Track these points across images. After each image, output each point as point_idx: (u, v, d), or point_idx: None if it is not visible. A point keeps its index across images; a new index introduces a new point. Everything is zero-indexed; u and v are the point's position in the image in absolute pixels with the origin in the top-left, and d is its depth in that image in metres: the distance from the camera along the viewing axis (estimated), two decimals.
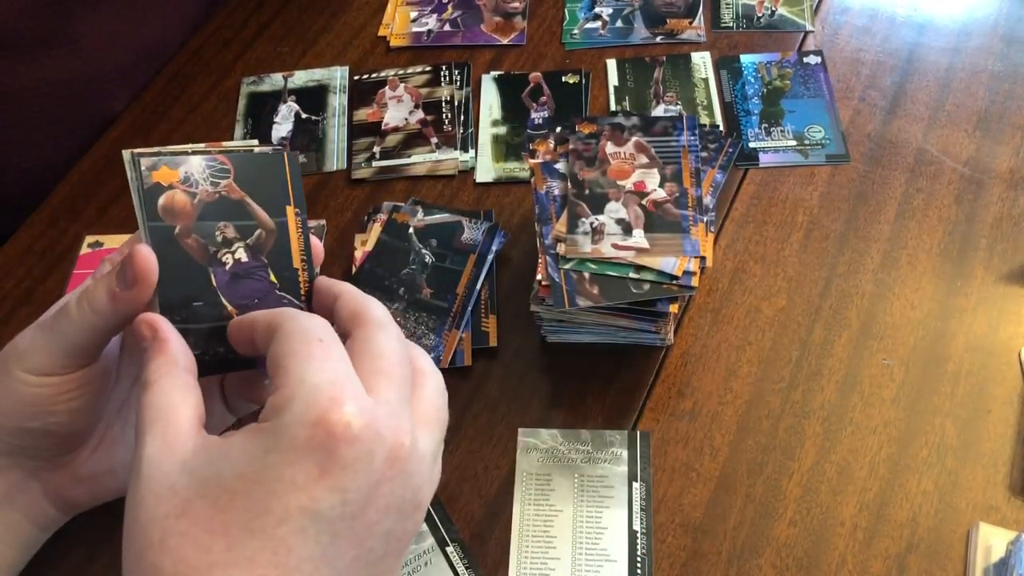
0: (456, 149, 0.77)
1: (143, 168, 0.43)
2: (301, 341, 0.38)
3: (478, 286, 0.66)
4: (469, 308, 0.66)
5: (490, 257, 0.68)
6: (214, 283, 0.44)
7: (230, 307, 0.44)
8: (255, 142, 0.46)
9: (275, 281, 0.45)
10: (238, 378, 0.51)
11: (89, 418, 0.50)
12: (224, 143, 0.45)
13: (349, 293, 0.43)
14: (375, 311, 0.41)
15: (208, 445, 0.38)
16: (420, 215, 0.71)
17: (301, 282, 0.46)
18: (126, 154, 0.43)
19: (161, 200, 0.45)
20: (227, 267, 0.44)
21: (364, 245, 0.70)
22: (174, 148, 0.45)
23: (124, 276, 0.43)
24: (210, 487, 0.36)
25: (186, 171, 0.45)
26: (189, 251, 0.45)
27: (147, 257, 0.43)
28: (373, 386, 0.38)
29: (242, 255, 0.45)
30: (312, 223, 0.73)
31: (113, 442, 0.53)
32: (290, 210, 0.46)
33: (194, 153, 0.44)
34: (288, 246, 0.46)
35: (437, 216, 0.71)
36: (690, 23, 0.83)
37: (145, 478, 0.37)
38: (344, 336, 0.40)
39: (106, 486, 0.53)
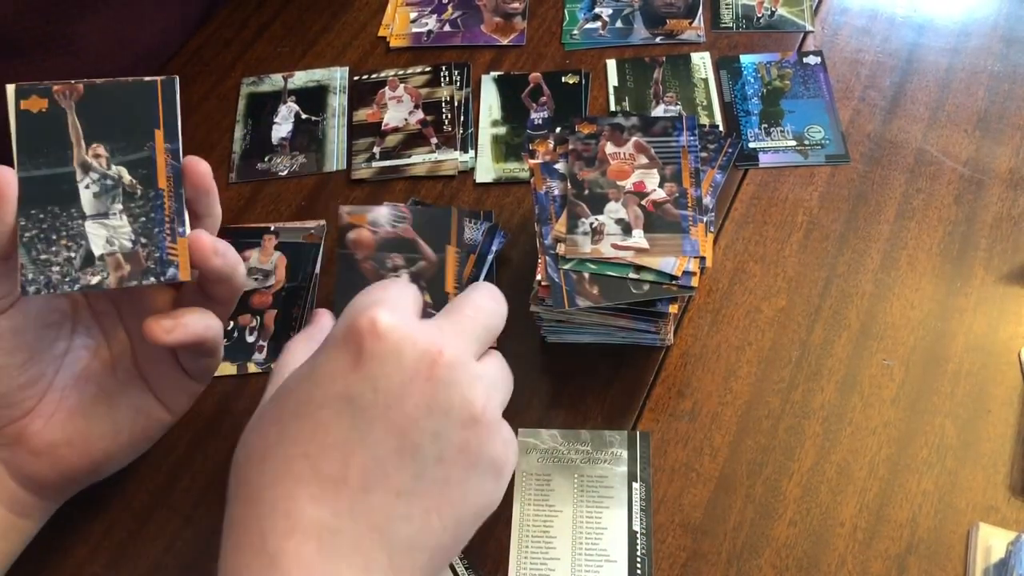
0: (456, 149, 0.77)
1: (17, 98, 0.47)
2: (373, 286, 0.45)
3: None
4: None
5: (490, 257, 0.68)
6: None
7: None
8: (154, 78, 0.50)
9: (429, 300, 0.57)
10: (151, 349, 0.54)
11: (18, 378, 0.49)
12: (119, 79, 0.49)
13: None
14: (484, 282, 0.51)
15: (301, 360, 0.45)
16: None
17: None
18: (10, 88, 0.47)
19: (351, 235, 0.63)
20: None
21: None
22: (61, 83, 0.47)
23: None
24: (279, 392, 0.44)
25: (373, 216, 0.64)
26: (365, 273, 0.62)
27: (4, 175, 0.45)
28: (437, 317, 0.45)
29: (404, 279, 0.55)
30: (312, 223, 0.73)
31: (69, 412, 0.52)
32: (450, 248, 0.64)
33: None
34: (444, 276, 0.61)
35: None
36: (690, 23, 0.83)
37: (257, 409, 0.46)
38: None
39: (65, 458, 0.52)
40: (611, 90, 0.79)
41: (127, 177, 0.48)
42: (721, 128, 0.76)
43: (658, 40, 0.83)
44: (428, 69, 0.83)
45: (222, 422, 0.62)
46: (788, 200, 0.71)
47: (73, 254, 0.47)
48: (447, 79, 0.82)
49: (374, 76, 0.83)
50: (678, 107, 0.77)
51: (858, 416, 0.60)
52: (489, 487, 0.44)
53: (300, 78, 0.83)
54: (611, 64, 0.81)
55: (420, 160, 0.76)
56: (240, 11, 0.90)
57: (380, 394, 0.40)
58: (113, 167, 0.48)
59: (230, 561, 0.41)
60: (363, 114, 0.80)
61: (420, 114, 0.79)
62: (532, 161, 0.64)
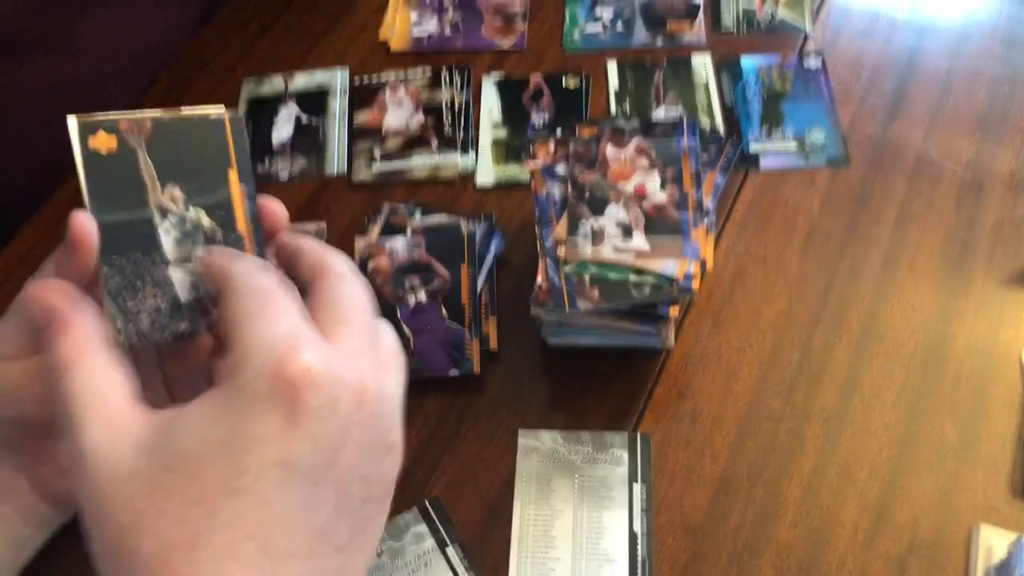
0: (457, 152, 0.77)
1: (82, 134, 0.43)
2: (253, 296, 0.38)
3: (479, 287, 0.66)
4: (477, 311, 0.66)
5: (489, 258, 0.68)
6: (398, 316, 0.59)
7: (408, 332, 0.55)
8: (218, 108, 0.45)
9: (444, 315, 0.59)
10: (182, 368, 0.50)
11: (48, 403, 0.49)
12: (183, 109, 0.44)
13: (310, 247, 0.42)
14: (336, 262, 0.41)
15: (161, 420, 0.37)
16: (418, 217, 0.71)
17: (466, 315, 0.61)
18: (73, 121, 0.42)
19: (371, 264, 0.67)
20: (410, 306, 0.59)
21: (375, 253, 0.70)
22: (125, 114, 0.44)
23: (65, 245, 0.42)
24: (175, 460, 0.36)
25: (390, 245, 0.68)
26: (386, 296, 0.65)
27: (83, 222, 0.42)
28: (333, 335, 0.38)
29: (422, 297, 0.52)
30: (311, 226, 0.73)
31: None
32: (463, 266, 0.67)
33: (151, 117, 0.44)
34: (459, 292, 0.65)
35: (436, 218, 0.71)
36: (690, 26, 0.83)
37: (96, 471, 0.36)
38: (306, 291, 0.40)
39: None
40: (612, 93, 0.79)
41: (205, 220, 0.45)
42: (722, 131, 0.76)
43: (659, 42, 0.83)
44: (429, 72, 0.83)
45: None
46: (789, 203, 0.71)
47: (160, 302, 0.44)
48: (448, 82, 0.82)
49: (375, 79, 0.83)
50: (679, 110, 0.78)
51: (859, 418, 0.60)
52: (387, 504, 0.41)
53: (301, 81, 0.83)
54: (612, 66, 0.81)
55: (421, 163, 0.76)
56: (241, 11, 0.90)
57: (320, 452, 0.36)
58: (191, 209, 0.45)
59: None
60: (364, 117, 0.80)
61: (421, 117, 0.79)
62: (533, 164, 0.64)
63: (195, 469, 0.35)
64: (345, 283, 0.40)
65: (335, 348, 0.37)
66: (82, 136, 0.43)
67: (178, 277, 0.44)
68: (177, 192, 0.45)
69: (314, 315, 0.39)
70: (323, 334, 0.38)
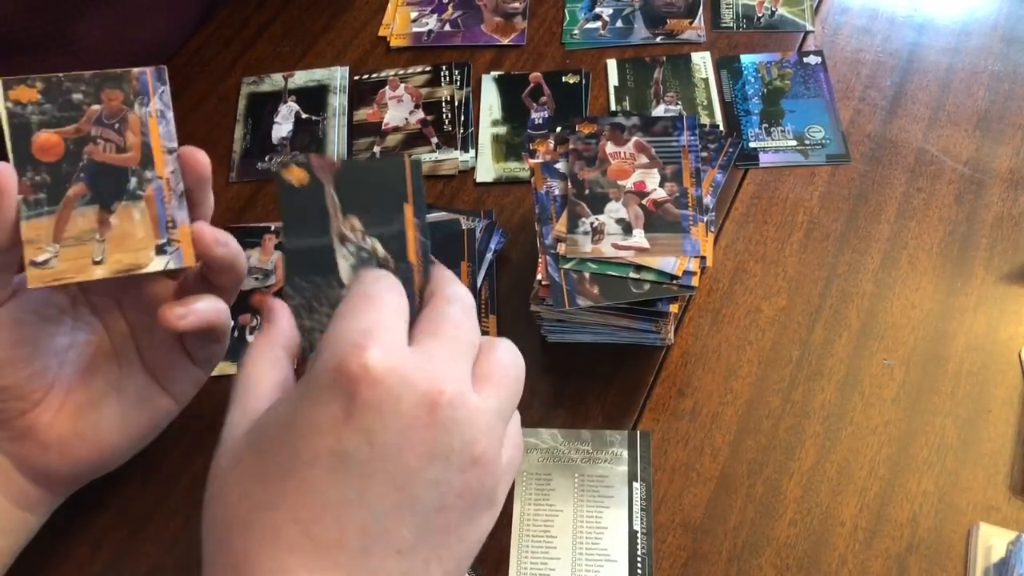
0: (456, 149, 0.77)
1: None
2: (352, 299, 0.40)
3: (478, 284, 0.66)
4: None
5: (489, 255, 0.68)
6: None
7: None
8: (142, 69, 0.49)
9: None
10: (157, 342, 0.54)
11: (23, 371, 0.50)
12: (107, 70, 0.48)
13: (440, 274, 0.44)
14: (451, 287, 0.42)
15: (271, 405, 0.40)
16: None
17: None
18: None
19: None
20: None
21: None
22: (46, 75, 0.48)
23: None
24: (257, 438, 0.38)
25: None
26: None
27: (4, 169, 0.44)
28: (421, 343, 0.39)
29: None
30: None
31: (78, 405, 0.53)
32: (463, 264, 0.62)
33: (66, 76, 0.48)
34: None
35: (435, 215, 0.71)
36: (690, 23, 0.83)
37: (223, 441, 0.40)
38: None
39: (76, 452, 0.53)
40: (611, 90, 0.79)
41: (380, 249, 0.48)
42: (721, 128, 0.76)
43: (658, 40, 0.83)
44: (428, 69, 0.83)
45: (222, 422, 0.62)
46: (788, 200, 0.71)
47: None
48: (447, 79, 0.82)
49: (374, 76, 0.83)
50: (678, 107, 0.77)
51: (858, 416, 0.60)
52: (486, 521, 0.40)
53: (300, 78, 0.83)
54: (611, 64, 0.81)
55: (420, 160, 0.76)
56: (240, 11, 0.90)
57: (377, 448, 0.36)
58: (367, 240, 0.48)
59: None
60: (363, 114, 0.80)
61: (420, 114, 0.79)
62: (532, 161, 0.64)
63: (264, 447, 0.38)
64: (450, 304, 0.41)
65: (413, 352, 0.38)
66: (280, 172, 0.46)
67: None
68: (356, 223, 0.48)
69: (413, 328, 0.40)
70: (412, 343, 0.39)
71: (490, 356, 0.41)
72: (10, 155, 0.45)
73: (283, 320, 0.44)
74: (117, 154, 0.48)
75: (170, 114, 0.49)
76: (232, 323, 0.61)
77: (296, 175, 0.48)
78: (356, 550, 0.36)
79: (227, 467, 0.39)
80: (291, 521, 0.36)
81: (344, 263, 0.48)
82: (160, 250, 0.49)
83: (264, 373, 0.42)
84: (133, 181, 0.48)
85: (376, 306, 0.39)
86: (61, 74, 0.47)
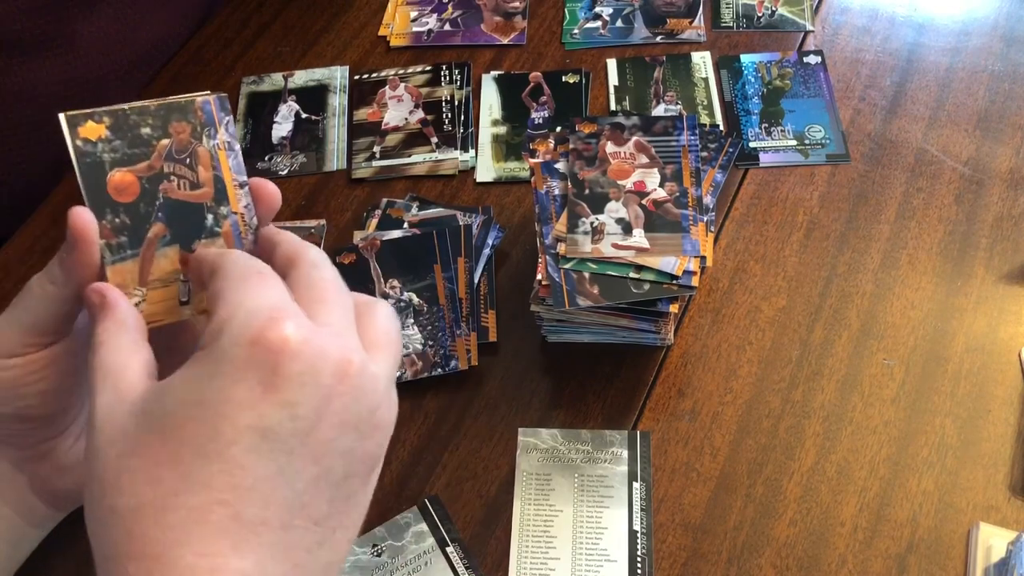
0: (456, 149, 0.77)
1: (74, 131, 0.44)
2: (239, 273, 0.39)
3: (476, 279, 0.66)
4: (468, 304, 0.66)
5: (486, 251, 0.68)
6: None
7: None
8: (204, 93, 0.46)
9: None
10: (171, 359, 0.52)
11: (61, 402, 0.49)
12: (169, 98, 0.45)
13: (287, 239, 0.43)
14: (310, 252, 0.41)
15: (157, 386, 0.38)
16: (415, 210, 0.71)
17: (463, 307, 0.65)
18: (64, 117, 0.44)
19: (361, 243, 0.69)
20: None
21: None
22: (110, 108, 0.45)
23: (67, 241, 0.44)
24: (156, 421, 0.36)
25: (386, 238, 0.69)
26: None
27: (83, 216, 0.43)
28: (313, 313, 0.38)
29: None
30: (312, 223, 0.73)
31: None
32: (460, 260, 0.68)
33: (131, 109, 0.44)
34: (456, 284, 0.66)
35: (432, 211, 0.71)
36: (690, 23, 0.83)
37: (98, 428, 0.38)
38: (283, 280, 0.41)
39: None
40: (611, 89, 0.79)
41: (416, 299, 0.65)
42: (721, 127, 0.76)
43: (658, 39, 0.83)
44: (428, 68, 0.82)
45: None
46: (788, 200, 0.71)
47: None
48: (447, 78, 0.82)
49: (374, 75, 0.83)
50: (678, 106, 0.77)
51: (858, 416, 0.60)
52: (374, 481, 0.40)
53: (300, 77, 0.83)
54: (611, 63, 0.81)
55: (420, 159, 0.76)
56: (240, 11, 0.90)
57: (299, 420, 0.35)
58: (405, 293, 0.64)
59: None
60: (363, 113, 0.80)
61: (420, 113, 0.79)
62: (532, 160, 0.64)
63: (171, 430, 0.36)
64: (317, 269, 0.41)
65: (317, 324, 0.37)
66: (334, 257, 0.57)
67: None
68: (396, 282, 0.66)
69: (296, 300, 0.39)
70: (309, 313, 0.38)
71: (374, 322, 0.41)
72: (85, 197, 0.44)
73: (122, 302, 0.42)
74: (191, 191, 0.45)
75: (237, 146, 0.47)
76: None
77: (345, 257, 0.66)
78: (279, 526, 0.36)
79: (120, 455, 0.36)
80: (217, 503, 0.35)
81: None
82: None
83: (128, 358, 0.40)
84: (210, 218, 0.46)
85: (272, 282, 0.39)
86: (125, 106, 0.44)
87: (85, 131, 0.44)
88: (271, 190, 0.47)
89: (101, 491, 0.36)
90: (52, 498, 0.53)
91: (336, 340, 0.37)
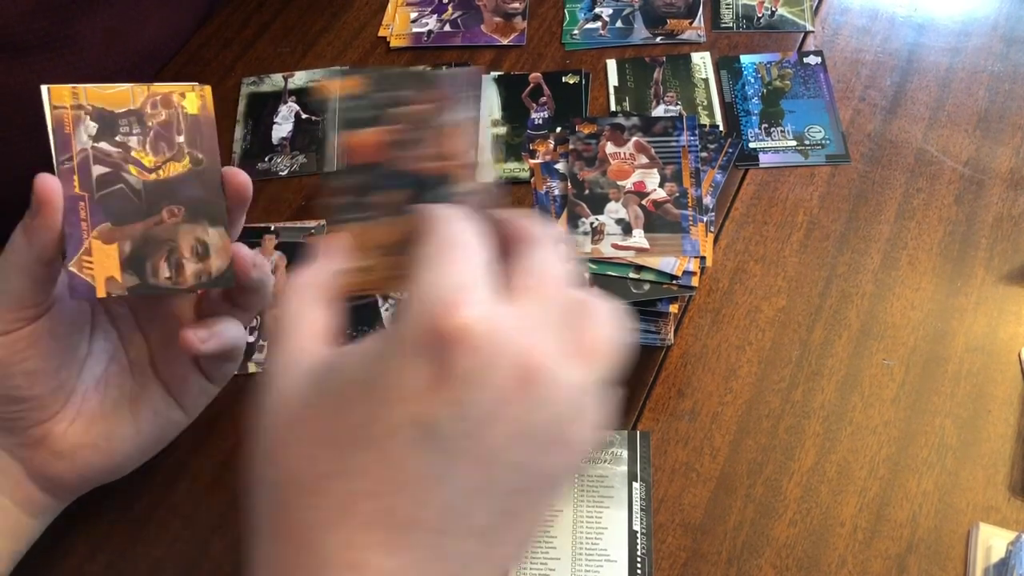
0: None
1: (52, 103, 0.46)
2: (438, 245, 0.35)
3: None
4: None
5: None
6: None
7: None
8: (189, 84, 0.50)
9: None
10: (167, 346, 0.53)
11: (48, 382, 0.50)
12: (153, 84, 0.49)
13: (516, 215, 0.39)
14: (538, 229, 0.38)
15: (333, 354, 0.36)
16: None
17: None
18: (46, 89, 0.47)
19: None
20: None
21: None
22: (99, 85, 0.47)
23: (31, 207, 0.44)
24: (324, 395, 0.35)
25: None
26: None
27: (47, 182, 0.44)
28: (513, 300, 0.34)
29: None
30: (312, 223, 0.73)
31: (92, 415, 0.53)
32: None
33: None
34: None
35: None
36: (690, 23, 0.83)
37: (271, 389, 0.36)
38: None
39: (88, 461, 0.53)
40: (611, 90, 0.79)
41: None
42: (721, 128, 0.76)
43: (658, 40, 0.83)
44: (428, 69, 0.82)
45: (222, 423, 0.62)
46: (788, 200, 0.71)
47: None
48: None
49: None
50: (678, 107, 0.77)
51: (858, 416, 0.60)
52: (549, 503, 0.37)
53: (301, 78, 0.83)
54: (611, 64, 0.81)
55: None
56: (240, 11, 0.90)
57: (467, 423, 0.32)
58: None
59: None
60: None
61: None
62: (532, 161, 0.64)
63: (335, 409, 0.34)
64: (541, 249, 0.37)
65: (508, 313, 0.33)
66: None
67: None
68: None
69: (504, 280, 0.36)
70: (504, 298, 0.34)
71: (590, 325, 0.36)
72: (335, 151, 0.44)
73: (334, 260, 0.40)
74: (433, 163, 0.44)
75: (481, 121, 0.46)
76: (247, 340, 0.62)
77: None
78: (433, 530, 0.33)
79: (284, 424, 0.35)
80: (368, 495, 0.33)
81: (386, 315, 0.62)
82: None
83: (307, 314, 0.38)
84: (450, 189, 0.44)
85: (466, 256, 0.35)
86: (384, 69, 0.45)
87: (343, 86, 0.45)
88: (241, 179, 0.48)
89: (258, 455, 0.35)
90: (50, 486, 0.53)
91: (524, 338, 0.33)
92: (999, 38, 0.80)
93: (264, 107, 0.82)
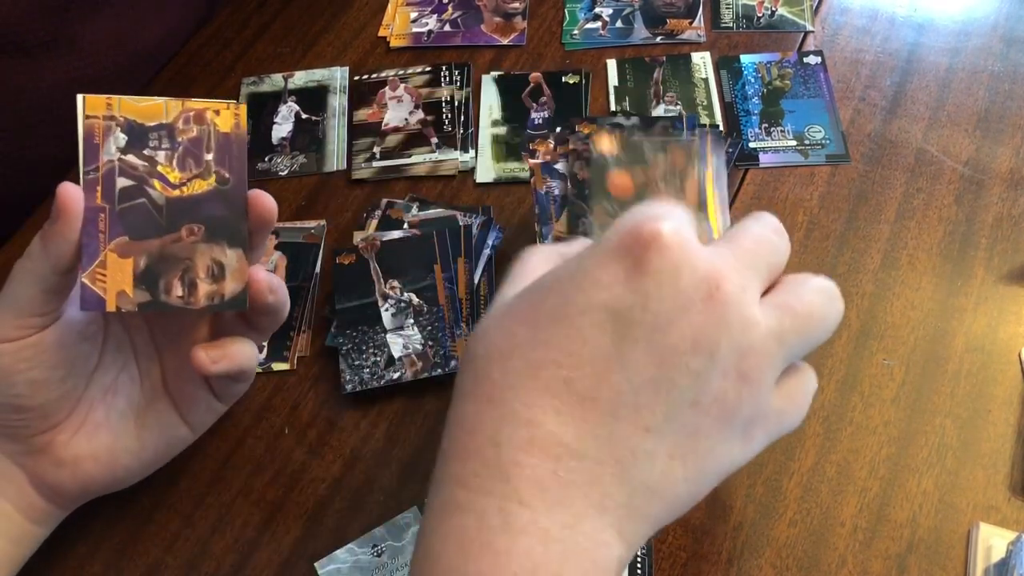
0: (456, 149, 0.77)
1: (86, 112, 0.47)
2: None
3: (476, 281, 0.66)
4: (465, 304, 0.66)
5: (486, 251, 0.67)
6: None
7: None
8: (224, 101, 0.49)
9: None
10: (181, 366, 0.53)
11: (52, 392, 0.49)
12: (188, 99, 0.48)
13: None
14: (756, 214, 0.43)
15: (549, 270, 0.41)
16: (415, 211, 0.71)
17: (463, 309, 0.65)
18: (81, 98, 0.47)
19: (361, 243, 0.68)
20: None
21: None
22: (135, 97, 0.47)
23: (51, 215, 0.44)
24: (533, 290, 0.40)
25: (386, 238, 0.68)
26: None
27: (69, 191, 0.44)
28: (714, 244, 0.39)
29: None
30: (312, 223, 0.73)
31: (96, 426, 0.53)
32: (460, 260, 0.69)
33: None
34: (456, 286, 0.66)
35: (432, 212, 0.71)
36: (690, 23, 0.83)
37: (492, 305, 0.42)
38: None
39: (89, 471, 0.53)
40: (611, 90, 0.79)
41: (416, 300, 0.64)
42: (721, 128, 0.76)
43: (658, 40, 0.83)
44: (428, 69, 0.83)
45: (223, 423, 0.62)
46: (788, 200, 0.71)
47: (378, 358, 0.61)
48: (447, 79, 0.82)
49: (374, 76, 0.83)
50: (678, 107, 0.77)
51: (858, 416, 0.60)
52: (736, 449, 0.40)
53: (300, 78, 0.83)
54: (611, 64, 0.81)
55: (420, 160, 0.76)
56: (240, 11, 0.90)
57: (649, 313, 0.36)
58: (405, 294, 0.64)
59: (453, 466, 0.38)
60: (363, 114, 0.80)
61: (420, 114, 0.79)
62: (532, 161, 0.64)
63: (538, 297, 0.39)
64: (756, 221, 0.42)
65: (702, 245, 0.38)
66: (334, 257, 0.65)
67: (392, 340, 0.62)
68: (396, 283, 0.64)
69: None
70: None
71: (795, 288, 0.41)
72: (589, 186, 0.57)
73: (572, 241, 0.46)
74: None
75: (724, 173, 0.58)
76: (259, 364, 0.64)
77: (345, 258, 0.65)
78: (606, 411, 0.36)
79: (494, 316, 0.40)
80: (551, 363, 0.37)
81: (386, 314, 0.63)
82: None
83: (541, 265, 0.43)
84: None
85: (676, 206, 0.39)
86: (635, 138, 0.59)
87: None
88: (266, 202, 0.48)
89: (473, 339, 0.40)
90: (51, 494, 0.53)
91: (712, 258, 0.38)
92: (999, 38, 0.80)
93: (264, 107, 0.82)
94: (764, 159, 0.73)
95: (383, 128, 0.79)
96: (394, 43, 0.85)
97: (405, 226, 0.70)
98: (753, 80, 0.79)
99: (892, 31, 0.81)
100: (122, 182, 0.47)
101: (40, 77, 0.77)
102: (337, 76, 0.83)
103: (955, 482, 0.57)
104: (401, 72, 0.83)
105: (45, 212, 0.76)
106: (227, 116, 0.49)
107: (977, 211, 0.69)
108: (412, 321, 0.64)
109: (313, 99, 0.82)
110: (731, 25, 0.83)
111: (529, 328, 0.38)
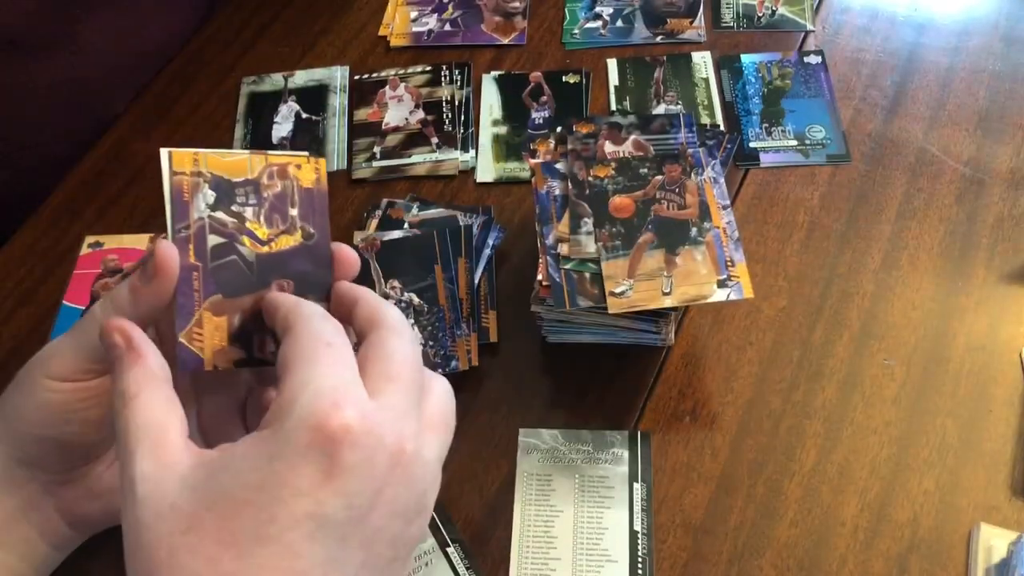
0: (457, 149, 0.77)
1: (173, 168, 0.45)
2: (310, 344, 0.39)
3: (476, 280, 0.66)
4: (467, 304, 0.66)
5: (487, 251, 0.67)
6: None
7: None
8: (304, 154, 0.49)
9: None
10: (218, 406, 0.51)
11: (102, 432, 0.49)
12: (270, 152, 0.47)
13: (366, 297, 0.43)
14: (390, 315, 0.41)
15: (207, 458, 0.38)
16: (415, 211, 0.71)
17: (463, 308, 0.65)
18: (166, 152, 0.45)
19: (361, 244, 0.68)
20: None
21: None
22: (218, 151, 0.46)
23: (145, 270, 0.43)
24: (215, 499, 0.36)
25: (387, 238, 0.68)
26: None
27: (168, 251, 0.43)
28: (379, 391, 0.38)
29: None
30: None
31: None
32: (461, 260, 0.67)
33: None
34: (457, 285, 0.65)
35: (432, 211, 0.71)
36: (691, 23, 0.83)
37: (143, 498, 0.37)
38: (359, 340, 0.41)
39: (119, 504, 0.53)
40: (612, 89, 0.79)
41: (416, 300, 0.64)
42: (722, 127, 0.76)
43: (659, 39, 0.83)
44: (428, 68, 0.82)
45: None
46: (789, 200, 0.71)
47: None
48: (448, 78, 0.82)
49: (374, 75, 0.83)
50: (679, 107, 0.77)
51: (859, 416, 0.60)
52: (417, 533, 0.41)
53: (301, 77, 0.83)
54: (612, 63, 0.81)
55: (421, 160, 0.76)
56: (241, 12, 0.90)
57: (353, 510, 0.36)
58: (405, 294, 0.64)
59: None
60: (363, 113, 0.80)
61: (421, 113, 0.79)
62: (533, 161, 0.64)
63: (230, 511, 0.36)
64: (397, 337, 0.41)
65: (379, 407, 0.38)
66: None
67: None
68: (396, 283, 0.65)
69: (364, 366, 0.39)
70: (370, 388, 0.38)
71: (432, 400, 0.41)
72: (591, 213, 0.59)
73: (150, 350, 0.41)
74: (679, 211, 0.58)
75: (722, 179, 0.60)
76: None
77: None
78: None
79: (174, 531, 0.36)
80: None
81: None
82: (721, 284, 0.56)
83: (162, 416, 0.39)
84: (693, 231, 0.58)
85: (339, 357, 0.39)
86: (629, 156, 0.61)
87: (596, 170, 0.62)
88: (349, 256, 0.48)
89: (152, 566, 0.37)
90: (76, 522, 0.53)
91: (394, 426, 0.38)
92: (999, 38, 0.80)
93: (264, 107, 0.82)
94: (765, 159, 0.73)
95: (383, 128, 0.79)
96: (394, 43, 0.85)
97: (405, 226, 0.70)
98: (754, 80, 0.79)
99: (893, 31, 0.81)
100: (213, 240, 0.46)
101: (40, 76, 0.77)
102: (337, 76, 0.83)
103: (956, 482, 0.57)
104: (401, 72, 0.83)
105: (45, 212, 0.76)
106: (308, 170, 0.49)
107: (978, 211, 0.69)
108: (413, 321, 0.64)
109: (313, 99, 0.82)
110: (732, 25, 0.83)
111: (233, 550, 0.35)
